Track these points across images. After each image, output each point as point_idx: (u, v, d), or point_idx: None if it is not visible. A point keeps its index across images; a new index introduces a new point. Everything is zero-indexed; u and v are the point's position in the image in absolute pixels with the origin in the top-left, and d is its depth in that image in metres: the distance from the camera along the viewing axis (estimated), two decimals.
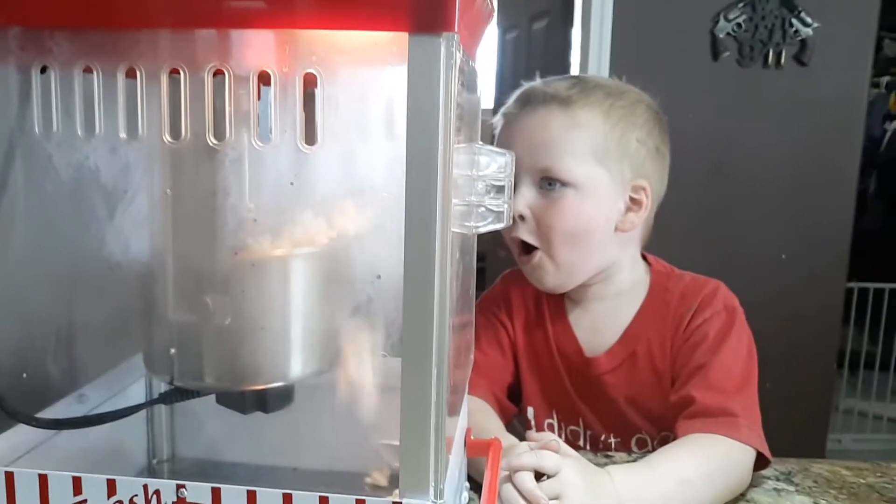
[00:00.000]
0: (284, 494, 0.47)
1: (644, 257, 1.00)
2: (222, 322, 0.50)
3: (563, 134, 0.89)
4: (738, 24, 2.19)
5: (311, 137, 0.45)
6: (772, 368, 2.21)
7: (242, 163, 0.46)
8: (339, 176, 0.49)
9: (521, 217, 0.90)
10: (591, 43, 2.20)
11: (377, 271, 0.50)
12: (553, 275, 0.92)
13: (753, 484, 0.83)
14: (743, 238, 2.30)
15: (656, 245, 1.02)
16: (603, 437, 0.98)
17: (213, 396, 0.61)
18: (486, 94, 3.68)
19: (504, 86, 2.99)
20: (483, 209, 0.67)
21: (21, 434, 0.56)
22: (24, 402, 0.54)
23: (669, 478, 0.76)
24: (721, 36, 2.20)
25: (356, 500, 0.45)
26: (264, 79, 0.45)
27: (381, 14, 0.42)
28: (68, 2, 0.44)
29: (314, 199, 0.50)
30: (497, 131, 0.97)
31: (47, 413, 0.59)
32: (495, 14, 0.68)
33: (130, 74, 0.46)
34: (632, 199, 0.92)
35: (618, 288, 0.97)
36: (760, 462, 0.83)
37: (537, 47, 2.63)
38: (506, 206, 0.68)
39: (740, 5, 2.18)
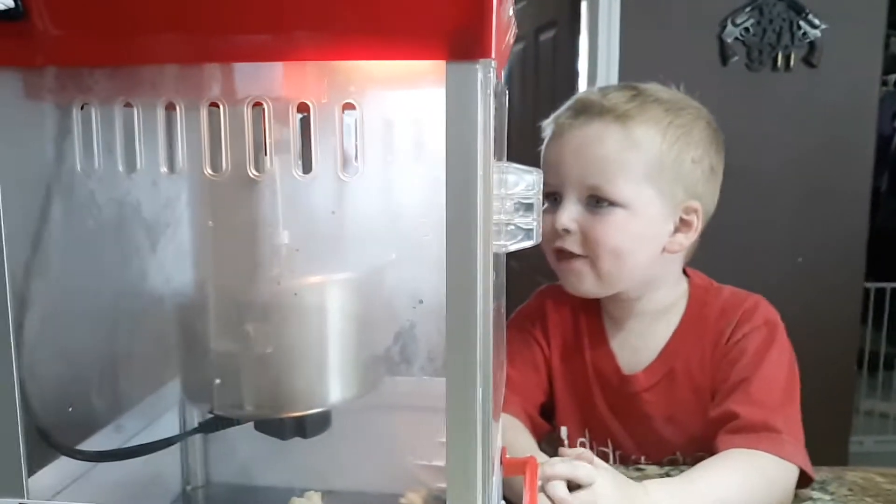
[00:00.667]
0: None
1: (684, 271, 0.99)
2: (264, 351, 0.50)
3: (618, 152, 0.86)
4: (746, 29, 2.19)
5: (349, 166, 0.45)
6: None
7: (282, 193, 0.47)
8: (378, 203, 0.50)
9: (567, 230, 0.88)
10: (599, 52, 2.20)
11: (418, 296, 0.50)
12: (591, 282, 0.90)
13: None
14: (758, 241, 2.29)
15: None
16: (633, 457, 0.97)
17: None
18: None
19: (512, 97, 2.99)
20: (513, 227, 0.67)
21: (62, 466, 0.57)
22: (66, 434, 0.55)
23: (708, 496, 0.75)
24: (729, 40, 2.20)
25: None
26: (303, 109, 0.45)
27: (420, 43, 0.43)
28: (106, 41, 0.45)
29: (355, 227, 0.50)
30: (546, 138, 0.93)
31: (87, 444, 0.59)
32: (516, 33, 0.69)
33: (170, 109, 0.46)
34: (682, 220, 0.90)
35: (658, 305, 0.96)
36: (803, 479, 0.82)
37: (545, 58, 2.64)
38: (535, 223, 0.68)
39: (747, 9, 2.18)
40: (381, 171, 0.48)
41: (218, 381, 0.53)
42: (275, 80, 0.45)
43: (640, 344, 0.96)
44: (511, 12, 0.65)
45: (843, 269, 2.31)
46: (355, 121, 0.45)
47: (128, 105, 0.46)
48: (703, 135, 0.90)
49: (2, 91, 0.46)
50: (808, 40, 2.19)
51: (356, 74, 0.45)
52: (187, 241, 0.50)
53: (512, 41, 0.66)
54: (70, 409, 0.53)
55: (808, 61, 2.21)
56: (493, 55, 0.42)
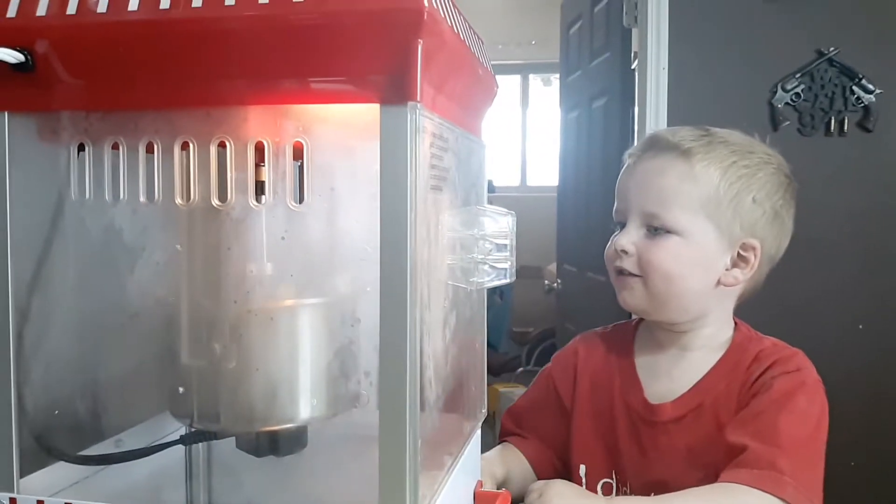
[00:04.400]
0: None
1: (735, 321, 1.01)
2: (228, 367, 0.55)
3: (676, 184, 0.92)
4: (797, 94, 2.19)
5: (299, 197, 0.51)
6: (855, 447, 2.12)
7: (241, 221, 0.53)
8: (335, 232, 0.55)
9: (625, 251, 0.94)
10: (647, 119, 2.24)
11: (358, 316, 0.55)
12: (641, 299, 0.95)
13: None
14: (815, 308, 2.23)
15: None
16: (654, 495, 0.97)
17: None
18: (551, 169, 3.74)
19: (567, 160, 3.05)
20: (487, 266, 0.72)
21: (56, 473, 0.62)
22: (61, 442, 0.61)
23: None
24: (780, 106, 2.20)
25: None
26: (261, 147, 0.51)
27: (358, 90, 0.49)
28: (99, 89, 0.53)
29: (308, 252, 0.55)
30: (621, 170, 1.01)
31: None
32: (497, 90, 0.75)
33: (150, 148, 0.53)
34: (739, 256, 0.94)
35: (702, 342, 0.98)
36: None
37: (597, 124, 2.69)
38: (509, 262, 0.72)
39: (798, 75, 2.18)
40: (328, 202, 0.53)
41: (194, 395, 0.59)
42: (237, 122, 0.52)
43: (673, 376, 0.98)
44: (487, 68, 0.70)
45: None
46: (305, 156, 0.51)
47: (115, 145, 0.54)
48: (770, 179, 0.95)
49: (14, 131, 0.54)
50: (862, 105, 2.17)
51: (306, 117, 0.51)
52: (162, 264, 0.57)
53: (486, 93, 0.72)
54: (56, 413, 0.59)
55: (863, 126, 2.19)
56: (419, 98, 0.47)
